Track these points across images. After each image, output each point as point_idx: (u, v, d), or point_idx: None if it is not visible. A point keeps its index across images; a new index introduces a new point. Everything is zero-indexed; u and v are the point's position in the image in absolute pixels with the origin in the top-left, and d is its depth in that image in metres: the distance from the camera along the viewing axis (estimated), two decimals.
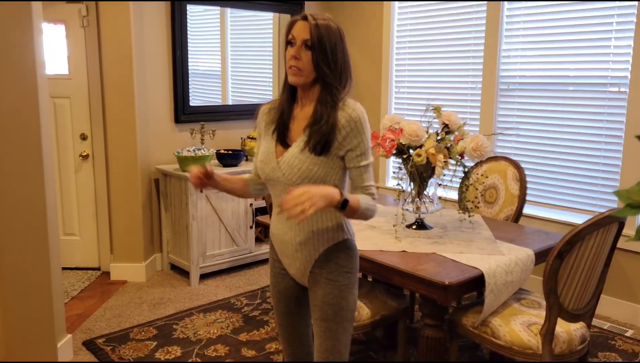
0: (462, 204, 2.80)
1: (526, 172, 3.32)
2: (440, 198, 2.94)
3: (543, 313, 2.37)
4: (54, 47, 3.98)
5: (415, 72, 4.43)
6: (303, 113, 1.79)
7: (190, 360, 2.89)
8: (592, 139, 3.53)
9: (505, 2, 3.82)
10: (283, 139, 1.79)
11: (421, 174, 2.74)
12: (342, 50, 1.74)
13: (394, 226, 2.71)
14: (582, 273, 2.19)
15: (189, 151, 3.88)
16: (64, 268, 4.15)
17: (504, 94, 3.89)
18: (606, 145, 3.48)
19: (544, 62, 3.69)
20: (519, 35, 3.80)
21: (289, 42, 1.73)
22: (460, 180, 3.04)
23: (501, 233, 2.78)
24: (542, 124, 3.74)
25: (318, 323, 1.84)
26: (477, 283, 2.31)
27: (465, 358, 2.95)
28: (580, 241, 2.11)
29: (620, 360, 2.95)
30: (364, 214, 1.75)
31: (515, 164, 3.27)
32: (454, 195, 3.56)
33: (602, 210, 3.52)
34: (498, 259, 2.40)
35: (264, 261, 4.36)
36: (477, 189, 3.12)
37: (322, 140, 1.71)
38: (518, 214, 3.18)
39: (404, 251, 2.48)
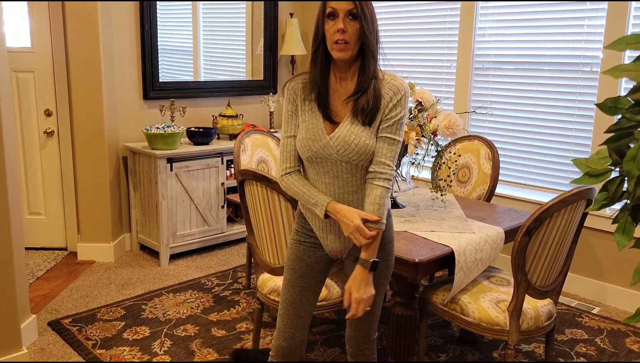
0: (434, 183, 2.79)
1: (499, 151, 3.33)
2: (413, 176, 2.93)
3: (511, 290, 2.38)
4: (16, 20, 3.82)
5: (389, 50, 4.38)
6: (344, 87, 1.73)
7: (158, 340, 2.85)
8: (564, 118, 3.55)
9: None
10: (328, 115, 1.72)
11: None
12: (376, 17, 1.70)
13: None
14: (550, 250, 2.20)
15: (158, 128, 3.78)
16: (29, 248, 4.05)
17: (478, 73, 3.87)
18: (577, 125, 3.50)
19: (519, 42, 3.68)
20: (494, 13, 3.78)
21: (329, 16, 1.65)
22: (433, 159, 3.03)
23: (473, 212, 2.78)
24: (516, 103, 3.74)
25: None
26: (447, 260, 2.31)
27: (435, 335, 2.97)
28: (548, 219, 2.11)
29: (586, 337, 2.99)
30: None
31: (489, 144, 3.27)
32: (427, 174, 3.57)
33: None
34: (468, 237, 2.40)
35: (236, 242, 4.31)
36: (449, 168, 3.11)
37: (371, 111, 1.67)
38: (490, 194, 3.19)
39: None
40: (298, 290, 1.87)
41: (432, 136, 2.63)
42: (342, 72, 1.71)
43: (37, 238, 4.09)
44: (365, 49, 1.66)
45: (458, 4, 3.91)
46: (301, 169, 1.85)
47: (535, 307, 2.29)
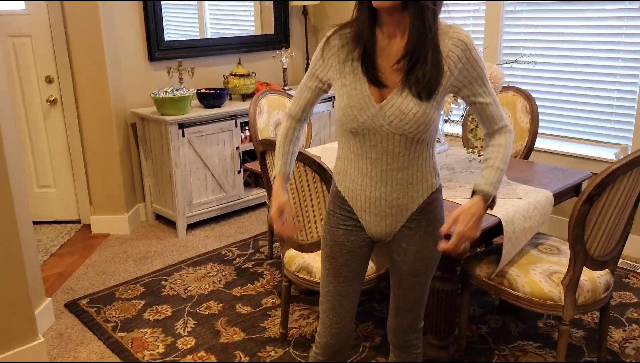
0: (471, 142, 2.54)
1: (536, 101, 3.05)
2: (446, 135, 2.68)
3: (564, 259, 2.18)
4: None
5: None
6: (393, 47, 1.44)
7: (181, 320, 2.70)
8: (609, 63, 3.24)
9: None
10: (377, 80, 1.45)
11: None
12: None
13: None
14: (612, 217, 1.97)
15: (166, 92, 3.54)
16: (41, 222, 3.91)
17: (510, 16, 3.54)
18: (622, 69, 3.19)
19: None
20: None
21: None
22: (464, 116, 2.77)
23: (515, 173, 2.55)
24: (553, 48, 3.43)
25: (405, 278, 1.63)
26: (494, 231, 2.09)
27: (474, 305, 2.79)
28: (612, 183, 1.87)
29: (635, 300, 2.80)
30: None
31: (526, 95, 2.99)
32: (458, 130, 3.31)
33: (619, 141, 3.29)
34: (515, 203, 2.17)
35: (253, 207, 4.13)
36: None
37: (428, 83, 1.39)
38: (529, 150, 2.94)
39: None
40: (341, 280, 1.65)
41: None
42: (390, 26, 1.42)
43: (49, 212, 3.92)
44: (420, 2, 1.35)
45: None
46: (304, 122, 1.71)
47: (592, 278, 2.08)
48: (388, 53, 1.45)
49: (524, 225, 2.14)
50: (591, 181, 1.86)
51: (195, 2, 4.12)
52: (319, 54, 1.55)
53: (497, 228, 2.07)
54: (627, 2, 3.10)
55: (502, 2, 3.52)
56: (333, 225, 1.64)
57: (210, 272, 3.18)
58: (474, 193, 1.54)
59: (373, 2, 1.38)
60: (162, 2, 3.81)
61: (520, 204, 2.17)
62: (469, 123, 2.60)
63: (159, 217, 3.96)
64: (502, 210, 2.10)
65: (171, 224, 3.84)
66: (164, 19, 3.84)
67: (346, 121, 1.49)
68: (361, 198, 1.57)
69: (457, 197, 2.25)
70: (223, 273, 3.16)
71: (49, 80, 3.67)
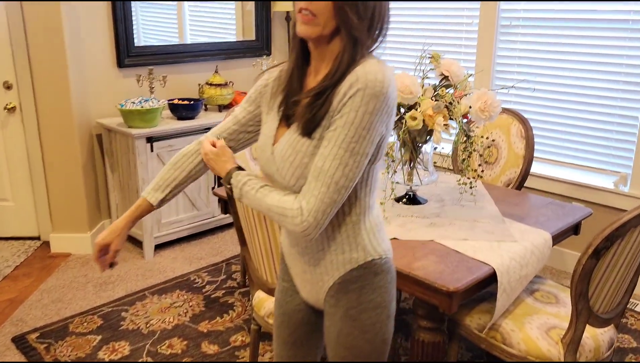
0: (462, 174, 2.32)
1: (530, 124, 2.83)
2: (435, 163, 2.46)
3: (562, 311, 1.97)
4: None
5: (398, 3, 3.81)
6: (316, 80, 1.23)
7: (140, 361, 2.44)
8: (608, 86, 3.04)
9: None
10: (287, 115, 1.26)
11: (414, 139, 2.23)
12: None
13: (381, 203, 2.22)
14: (619, 271, 1.76)
15: (134, 103, 3.27)
16: None
17: (505, 32, 3.33)
18: (624, 93, 2.99)
19: None
20: None
21: None
22: (455, 141, 2.55)
23: (508, 207, 2.33)
24: (550, 68, 3.22)
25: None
26: (486, 281, 1.87)
27: (462, 347, 2.57)
28: (622, 237, 1.65)
29: (635, 345, 2.60)
30: (265, 211, 1.24)
31: (520, 118, 2.78)
32: (447, 149, 3.09)
33: (618, 169, 3.09)
34: (510, 248, 1.95)
35: (229, 226, 3.87)
36: (474, 150, 2.63)
37: (312, 117, 1.18)
38: (523, 178, 2.72)
39: (394, 238, 2.01)
40: (282, 344, 1.48)
41: (462, 120, 2.14)
42: (318, 58, 1.23)
43: (6, 227, 3.64)
44: (342, 30, 1.15)
45: None
46: None
47: (594, 336, 1.87)
48: (308, 87, 1.25)
49: (520, 274, 1.92)
50: (599, 234, 1.64)
51: (175, 4, 3.84)
52: (259, 87, 1.40)
53: (490, 277, 1.85)
54: (629, 22, 2.90)
55: (496, 16, 3.30)
56: (278, 279, 1.50)
57: (176, 302, 2.92)
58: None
59: (298, 28, 1.18)
60: (136, 4, 3.54)
61: (515, 249, 1.95)
62: (460, 151, 2.37)
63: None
64: (495, 257, 1.88)
65: (138, 243, 3.57)
66: (135, 22, 3.57)
67: (258, 161, 1.36)
68: (286, 252, 1.40)
69: (448, 237, 2.02)
70: (190, 304, 2.91)
71: (7, 86, 3.38)
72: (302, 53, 1.25)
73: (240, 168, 1.33)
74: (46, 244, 3.58)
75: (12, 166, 3.52)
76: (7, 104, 3.39)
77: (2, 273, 3.22)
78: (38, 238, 3.65)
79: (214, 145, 1.36)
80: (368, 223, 1.29)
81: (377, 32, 1.20)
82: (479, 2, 3.36)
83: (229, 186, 1.30)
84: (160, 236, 3.46)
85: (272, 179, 1.29)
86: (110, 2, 3.43)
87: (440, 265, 1.83)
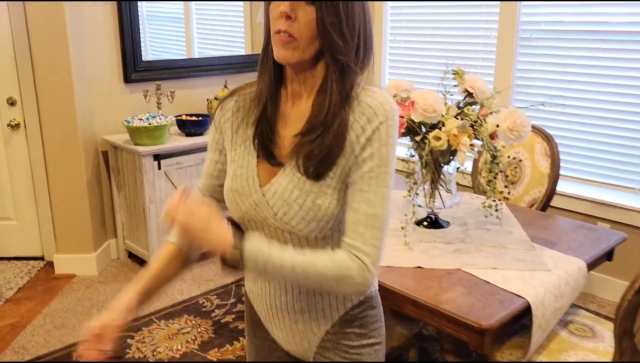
0: (487, 194, 2.19)
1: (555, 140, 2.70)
2: (460, 185, 2.33)
3: (601, 346, 1.83)
4: None
5: (414, 16, 3.70)
6: (298, 110, 1.11)
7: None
8: (637, 101, 2.90)
9: None
10: (270, 153, 1.10)
11: (437, 159, 2.11)
12: (362, 9, 1.06)
13: (402, 228, 2.09)
14: None
15: (141, 119, 3.16)
16: (0, 258, 3.51)
17: (525, 44, 3.21)
18: None
19: (577, 5, 3.00)
20: None
21: None
22: (477, 159, 2.43)
23: (536, 231, 2.19)
24: (573, 81, 3.09)
25: None
26: (520, 315, 1.73)
27: None
28: None
29: None
30: (312, 282, 1.05)
31: (545, 136, 2.65)
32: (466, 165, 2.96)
33: None
34: (544, 278, 1.81)
35: None
36: (500, 171, 2.50)
37: (323, 159, 1.04)
38: (548, 198, 2.59)
39: (419, 267, 1.88)
40: None
41: (489, 140, 2.02)
42: (297, 85, 1.10)
43: (9, 247, 3.53)
44: (327, 54, 1.04)
45: None
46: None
47: None
48: (291, 120, 1.11)
49: (555, 306, 1.78)
50: None
51: (182, 19, 3.75)
52: (217, 121, 1.20)
53: (524, 311, 1.71)
54: None
55: (516, 28, 3.18)
56: (247, 335, 1.34)
57: (184, 328, 2.79)
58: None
59: (275, 51, 1.04)
60: (143, 18, 3.44)
61: (549, 279, 1.81)
62: (484, 171, 2.25)
63: (132, 255, 3.57)
64: (529, 288, 1.74)
65: (144, 264, 3.45)
66: (142, 36, 3.48)
67: (230, 208, 1.16)
68: (263, 305, 1.22)
69: (476, 266, 1.89)
70: (199, 330, 2.78)
71: (11, 102, 3.29)
72: (275, 78, 1.11)
73: (237, 227, 1.14)
74: (50, 264, 3.46)
75: (15, 184, 3.42)
76: (10, 121, 3.29)
77: (4, 296, 3.11)
78: (42, 258, 3.54)
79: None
80: None
81: (363, 56, 1.07)
82: (497, 14, 3.24)
83: (235, 265, 1.03)
84: None
85: (260, 225, 1.12)
86: (117, 16, 3.33)
87: (469, 297, 1.70)
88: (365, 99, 1.05)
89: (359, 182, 1.05)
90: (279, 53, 1.03)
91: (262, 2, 1.12)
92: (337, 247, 1.09)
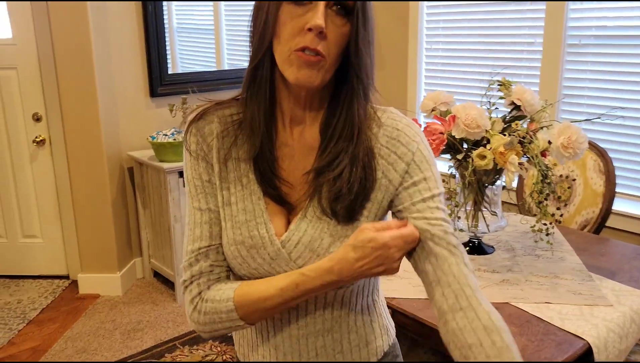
0: (538, 218, 1.98)
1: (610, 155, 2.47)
2: (503, 203, 2.13)
3: None
4: None
5: (452, 23, 3.51)
6: (302, 140, 0.94)
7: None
8: None
9: None
10: (279, 195, 0.93)
11: (480, 179, 1.92)
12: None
13: None
14: None
15: (166, 135, 3.05)
16: (25, 277, 3.45)
17: (573, 51, 2.98)
18: None
19: (632, 8, 2.76)
20: None
21: None
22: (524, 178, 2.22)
23: (593, 259, 1.97)
24: (628, 91, 2.84)
25: None
26: (579, 359, 1.52)
27: None
28: None
29: None
30: None
31: (599, 151, 2.43)
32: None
33: None
34: (605, 315, 1.60)
35: None
36: (552, 192, 2.28)
37: (351, 193, 0.88)
38: (603, 220, 2.36)
39: None
40: None
41: (540, 158, 1.81)
42: (298, 108, 0.92)
43: (34, 265, 3.46)
44: (353, 77, 0.88)
45: None
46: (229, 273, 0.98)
47: None
48: (291, 150, 0.93)
49: (620, 348, 1.56)
50: None
51: (212, 30, 3.66)
52: (191, 151, 0.96)
53: (584, 354, 1.50)
54: None
55: (563, 34, 2.95)
56: None
57: (209, 355, 2.65)
58: None
59: (294, 73, 0.85)
60: (176, 25, 3.35)
61: (612, 316, 1.59)
62: (534, 193, 2.04)
63: (157, 274, 3.46)
64: (589, 328, 1.53)
65: (170, 284, 3.33)
66: (169, 49, 3.38)
67: (233, 265, 0.94)
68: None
69: (524, 299, 1.68)
70: (224, 357, 2.63)
71: (37, 118, 3.23)
72: (271, 101, 0.92)
73: None
74: (75, 283, 3.38)
75: (41, 202, 3.36)
76: (36, 137, 3.23)
77: (28, 317, 3.02)
78: (67, 277, 3.46)
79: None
80: (381, 292, 1.05)
81: (373, 77, 0.92)
82: (542, 19, 3.02)
83: None
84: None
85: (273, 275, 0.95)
86: (143, 30, 3.24)
87: (521, 338, 1.50)
88: (387, 121, 0.93)
89: (418, 212, 0.90)
90: (301, 75, 0.85)
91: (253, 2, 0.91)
92: (360, 296, 0.95)
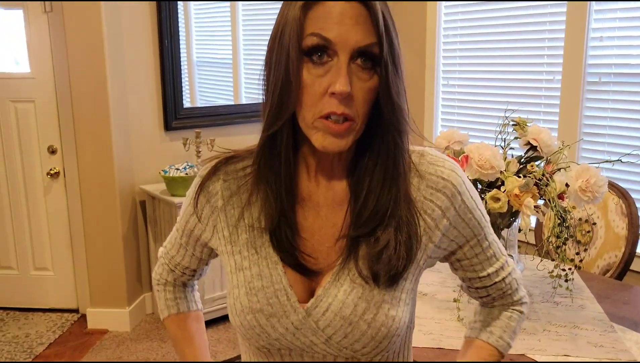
0: (556, 264, 1.89)
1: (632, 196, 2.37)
2: (520, 245, 2.05)
3: None
4: (10, 38, 3.18)
5: (469, 59, 3.47)
6: (330, 193, 0.85)
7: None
8: None
9: None
10: (298, 263, 0.84)
11: (495, 222, 1.84)
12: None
13: (454, 300, 1.82)
14: None
15: (178, 169, 3.04)
16: (35, 310, 3.42)
17: (593, 89, 2.91)
18: None
19: None
20: (616, 9, 2.80)
21: (313, 50, 0.75)
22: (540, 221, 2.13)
23: (615, 307, 1.87)
24: None
25: None
26: None
27: None
28: None
29: None
30: None
31: (621, 192, 2.34)
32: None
33: None
34: None
35: None
36: (571, 236, 2.20)
37: (396, 257, 0.79)
38: (626, 265, 2.25)
39: None
40: None
41: (558, 201, 1.74)
42: (325, 162, 0.84)
43: (45, 298, 3.44)
44: (392, 131, 0.79)
45: (564, 3, 2.95)
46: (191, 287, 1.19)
47: None
48: (315, 205, 0.84)
49: None
50: None
51: (231, 64, 3.68)
52: (190, 205, 0.92)
53: None
54: None
55: (582, 71, 2.89)
56: None
57: None
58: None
59: (321, 140, 0.76)
60: (196, 59, 3.38)
61: None
62: (552, 237, 1.96)
63: None
64: None
65: None
66: (187, 83, 3.40)
67: (250, 335, 0.84)
68: None
69: (541, 350, 1.59)
70: None
71: (52, 150, 3.25)
72: (292, 160, 0.83)
73: None
74: (84, 317, 3.34)
75: (53, 234, 3.35)
76: (50, 169, 3.24)
77: (34, 352, 2.98)
78: (77, 311, 3.43)
79: None
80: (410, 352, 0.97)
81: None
82: (560, 56, 2.97)
83: None
84: (204, 314, 3.15)
85: (298, 353, 0.85)
86: (159, 64, 3.27)
87: None
88: (428, 169, 0.84)
89: (465, 257, 0.93)
90: (328, 143, 0.76)
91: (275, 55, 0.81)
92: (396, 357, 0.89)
